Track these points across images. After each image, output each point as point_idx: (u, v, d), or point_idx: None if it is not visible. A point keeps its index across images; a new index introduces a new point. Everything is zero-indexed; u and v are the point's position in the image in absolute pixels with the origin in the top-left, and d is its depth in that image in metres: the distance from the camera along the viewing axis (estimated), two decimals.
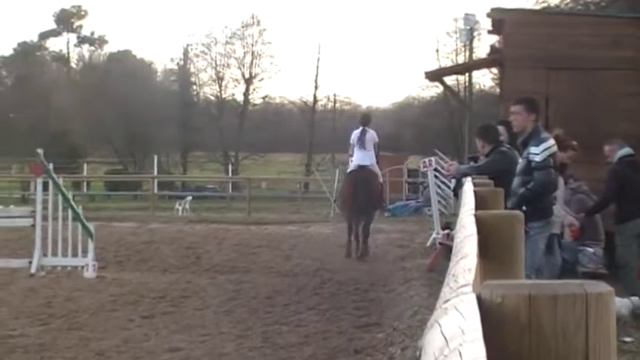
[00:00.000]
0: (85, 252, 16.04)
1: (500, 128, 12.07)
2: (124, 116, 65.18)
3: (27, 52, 76.54)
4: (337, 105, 77.12)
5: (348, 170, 19.47)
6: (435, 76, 20.11)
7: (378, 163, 19.56)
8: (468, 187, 6.20)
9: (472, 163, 13.00)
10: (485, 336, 1.41)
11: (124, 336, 10.63)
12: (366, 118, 19.72)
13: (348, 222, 19.46)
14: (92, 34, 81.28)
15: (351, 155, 19.38)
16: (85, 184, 54.08)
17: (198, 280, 15.42)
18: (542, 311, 1.57)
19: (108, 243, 20.21)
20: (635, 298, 10.79)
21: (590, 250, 12.96)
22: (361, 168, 18.84)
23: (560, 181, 11.73)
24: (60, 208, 16.29)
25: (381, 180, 20.10)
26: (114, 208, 41.10)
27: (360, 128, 19.06)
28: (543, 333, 1.57)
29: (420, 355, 1.72)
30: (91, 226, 16.35)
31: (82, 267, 15.91)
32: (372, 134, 19.03)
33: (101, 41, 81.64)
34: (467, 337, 1.39)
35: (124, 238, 22.57)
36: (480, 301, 1.61)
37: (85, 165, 59.12)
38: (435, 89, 67.01)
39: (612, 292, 1.62)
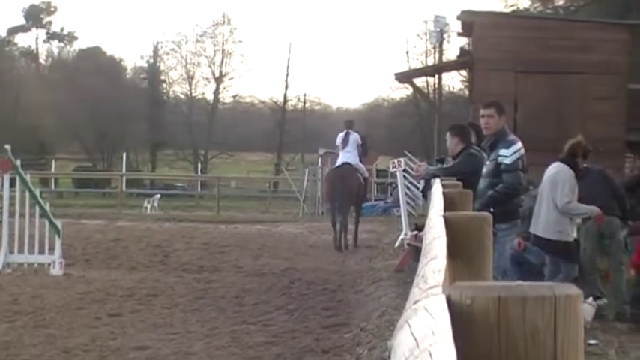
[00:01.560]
0: (52, 249, 15.97)
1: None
2: (93, 113, 64.82)
3: None
4: (307, 105, 77.14)
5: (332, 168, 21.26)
6: (405, 77, 20.23)
7: (361, 161, 21.38)
8: (437, 188, 6.22)
9: (439, 165, 13.05)
10: (455, 337, 1.42)
11: (90, 334, 10.60)
12: (349, 123, 21.46)
13: (331, 217, 21.02)
14: (62, 30, 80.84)
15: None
16: (53, 181, 53.74)
17: (166, 279, 15.38)
18: (511, 313, 1.58)
19: (75, 240, 20.13)
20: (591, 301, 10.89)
21: None
22: (343, 166, 20.46)
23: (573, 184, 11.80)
24: (27, 204, 16.20)
25: (366, 175, 21.93)
26: (82, 205, 40.93)
27: (345, 131, 20.71)
28: (512, 334, 1.59)
29: (389, 355, 1.73)
30: (58, 223, 16.28)
31: (49, 264, 15.83)
32: (355, 137, 20.69)
33: (71, 37, 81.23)
34: (437, 337, 1.40)
35: (92, 236, 22.49)
36: (449, 302, 1.62)
37: (54, 162, 58.77)
38: (404, 90, 67.07)
39: (581, 295, 1.64)
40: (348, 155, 20.50)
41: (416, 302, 1.79)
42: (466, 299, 1.61)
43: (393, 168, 21.38)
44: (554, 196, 11.25)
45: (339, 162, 20.79)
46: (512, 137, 10.16)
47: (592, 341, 9.65)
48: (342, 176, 20.27)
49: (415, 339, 1.46)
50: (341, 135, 20.84)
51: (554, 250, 11.41)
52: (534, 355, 1.59)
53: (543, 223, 11.38)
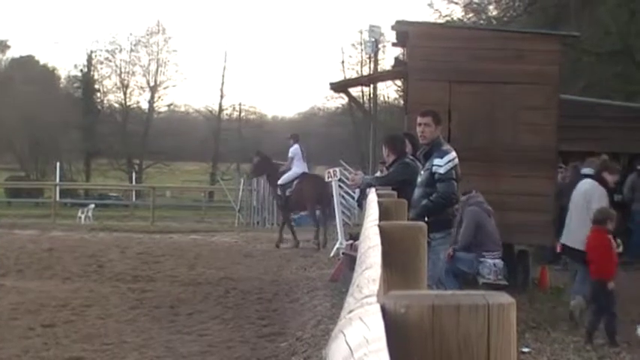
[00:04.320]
0: None
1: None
2: (27, 122, 64.04)
3: None
4: (243, 114, 76.99)
5: (295, 177, 22.70)
6: (340, 87, 20.19)
7: None
8: (372, 197, 6.24)
9: (378, 173, 13.10)
10: (389, 346, 1.43)
11: (23, 345, 10.49)
12: (297, 137, 23.35)
13: (314, 219, 23.10)
14: None
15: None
16: None
17: (100, 289, 15.27)
18: (445, 321, 1.59)
19: (8, 250, 19.93)
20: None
21: (490, 261, 13.11)
22: (306, 174, 22.65)
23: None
24: None
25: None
26: (15, 215, 40.37)
27: (297, 145, 22.61)
28: (446, 342, 1.60)
29: None
30: None
31: None
32: (304, 150, 22.76)
33: (3, 46, 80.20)
34: (371, 347, 1.41)
35: (25, 246, 22.24)
36: (384, 311, 1.62)
37: None
38: (340, 100, 67.25)
39: (514, 303, 1.65)
40: (304, 166, 22.75)
41: (350, 312, 1.80)
42: (400, 308, 1.62)
43: (328, 177, 21.43)
44: (590, 209, 11.59)
45: (299, 171, 22.53)
46: (446, 147, 10.20)
47: (525, 349, 9.76)
48: (319, 182, 22.28)
49: (350, 348, 1.47)
50: (296, 147, 22.57)
51: (585, 261, 11.78)
52: None
53: (576, 235, 11.72)
